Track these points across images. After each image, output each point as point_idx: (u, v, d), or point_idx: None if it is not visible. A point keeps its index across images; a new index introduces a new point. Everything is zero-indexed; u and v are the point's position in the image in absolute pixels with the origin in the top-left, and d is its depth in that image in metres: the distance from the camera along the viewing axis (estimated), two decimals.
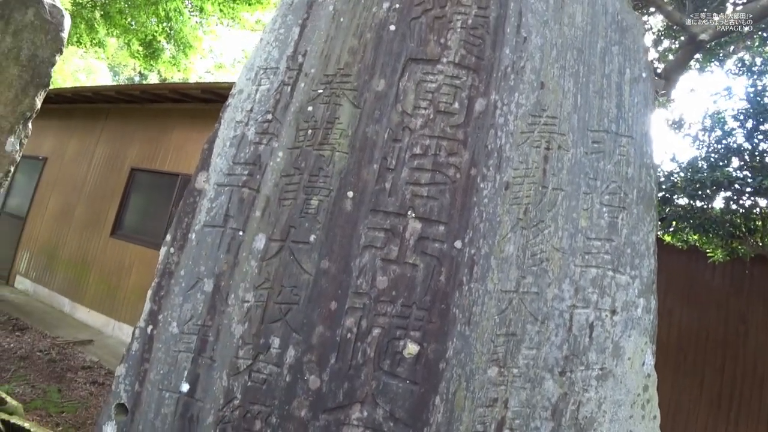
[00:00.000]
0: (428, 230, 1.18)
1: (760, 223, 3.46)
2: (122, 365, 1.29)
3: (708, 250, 3.83)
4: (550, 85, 1.29)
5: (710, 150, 3.49)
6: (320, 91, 1.32)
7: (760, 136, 3.24)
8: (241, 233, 1.26)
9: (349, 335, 1.14)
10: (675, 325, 4.51)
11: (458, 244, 1.17)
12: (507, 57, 1.30)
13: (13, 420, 3.73)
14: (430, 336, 1.13)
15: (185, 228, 1.31)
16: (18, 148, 2.34)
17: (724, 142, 3.41)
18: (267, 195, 1.26)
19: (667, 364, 4.43)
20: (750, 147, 3.29)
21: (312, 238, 1.21)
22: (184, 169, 7.14)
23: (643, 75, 1.38)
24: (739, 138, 3.40)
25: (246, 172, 1.29)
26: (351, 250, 1.18)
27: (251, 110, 1.35)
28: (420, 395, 1.12)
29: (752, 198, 3.34)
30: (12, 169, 2.39)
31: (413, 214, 1.19)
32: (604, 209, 1.22)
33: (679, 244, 3.98)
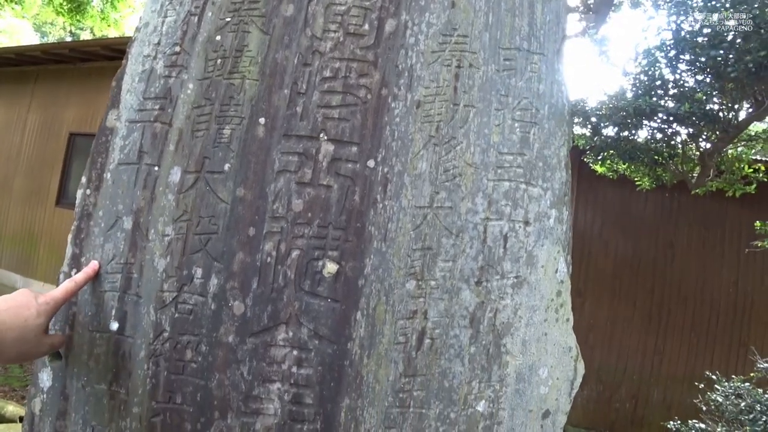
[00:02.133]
0: (341, 151, 1.16)
1: (680, 149, 3.59)
2: None
3: (636, 179, 3.97)
4: (461, 4, 1.26)
5: (636, 81, 3.56)
6: (228, 19, 1.25)
7: (682, 66, 3.31)
8: (156, 168, 1.21)
9: (268, 259, 1.13)
10: (611, 253, 4.69)
11: (371, 163, 1.15)
12: None
13: None
14: (348, 254, 1.13)
15: (100, 168, 1.26)
16: None
17: (649, 73, 3.48)
18: (180, 128, 1.21)
19: (604, 289, 4.65)
20: (672, 77, 3.37)
21: (226, 166, 1.17)
22: None
23: None
24: (663, 69, 3.47)
25: (157, 107, 1.24)
26: (265, 176, 1.16)
27: (158, 43, 1.28)
28: (341, 312, 1.12)
29: (672, 126, 3.45)
30: None
31: (325, 137, 1.16)
32: (516, 124, 1.22)
33: (610, 173, 4.09)
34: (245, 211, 1.15)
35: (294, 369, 1.12)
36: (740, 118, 3.66)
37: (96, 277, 1.19)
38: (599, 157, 3.83)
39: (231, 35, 1.24)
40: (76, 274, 1.21)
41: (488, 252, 1.16)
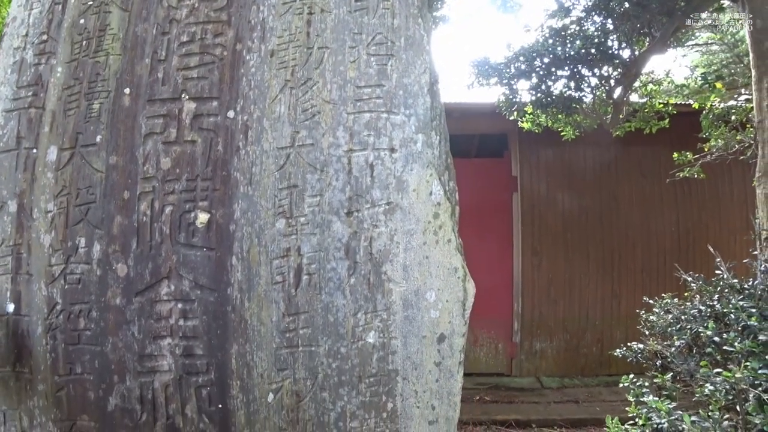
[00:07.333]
0: (202, 107, 1.13)
1: (591, 92, 3.55)
2: None
3: (559, 128, 3.89)
4: None
5: (544, 32, 3.55)
6: (90, 2, 1.23)
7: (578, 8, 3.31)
8: (34, 150, 1.18)
9: (144, 218, 1.10)
10: (559, 211, 4.64)
11: (231, 113, 1.13)
12: None
13: None
14: (217, 202, 1.10)
15: None
16: None
17: (556, 24, 3.48)
18: (52, 110, 1.19)
19: (558, 245, 4.59)
20: (569, 20, 3.37)
21: (98, 138, 1.15)
22: None
23: None
24: (559, 14, 3.48)
25: (30, 94, 1.21)
26: (134, 141, 1.13)
27: (27, 34, 1.25)
28: (217, 259, 1.09)
29: (580, 70, 3.41)
30: None
31: (187, 96, 1.14)
32: (372, 59, 1.19)
33: (534, 128, 4.00)
34: (119, 177, 1.12)
35: (181, 322, 1.09)
36: (638, 54, 3.63)
37: None
38: (513, 109, 3.75)
39: (93, 17, 1.21)
40: None
41: (355, 182, 1.13)
